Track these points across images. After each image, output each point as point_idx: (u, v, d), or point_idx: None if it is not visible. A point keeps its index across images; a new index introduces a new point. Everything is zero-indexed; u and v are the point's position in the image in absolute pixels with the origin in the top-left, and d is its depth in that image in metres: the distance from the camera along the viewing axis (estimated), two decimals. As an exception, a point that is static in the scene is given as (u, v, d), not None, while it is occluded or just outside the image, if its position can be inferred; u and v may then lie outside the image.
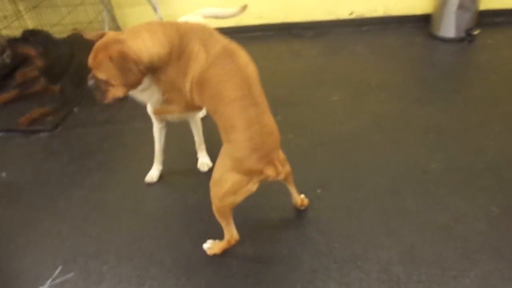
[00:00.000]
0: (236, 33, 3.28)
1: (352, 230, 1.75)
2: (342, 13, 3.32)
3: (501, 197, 1.82)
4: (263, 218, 1.87)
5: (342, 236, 1.73)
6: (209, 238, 1.75)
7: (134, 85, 1.49)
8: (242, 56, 1.46)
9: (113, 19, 3.39)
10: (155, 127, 2.03)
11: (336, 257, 1.65)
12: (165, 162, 2.15)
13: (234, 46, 1.46)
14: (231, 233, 1.64)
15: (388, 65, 2.86)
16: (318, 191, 1.95)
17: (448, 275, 1.54)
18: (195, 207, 1.96)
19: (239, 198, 1.50)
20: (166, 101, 1.63)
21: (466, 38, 3.01)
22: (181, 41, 1.42)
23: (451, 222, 1.73)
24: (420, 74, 2.79)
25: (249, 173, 1.44)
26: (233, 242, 1.66)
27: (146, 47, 1.40)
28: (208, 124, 2.03)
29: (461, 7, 2.91)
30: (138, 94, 1.69)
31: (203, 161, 2.19)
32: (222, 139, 1.50)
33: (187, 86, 1.46)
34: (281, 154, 1.56)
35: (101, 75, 1.44)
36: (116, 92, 1.49)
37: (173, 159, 2.22)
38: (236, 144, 1.42)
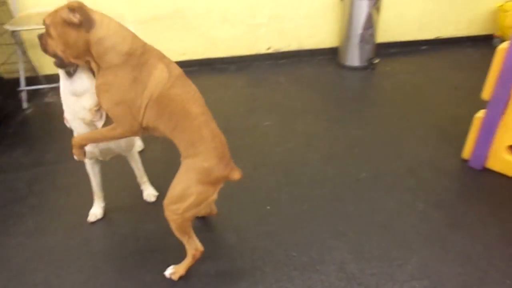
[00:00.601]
0: None
1: (306, 238, 1.88)
2: (261, 48, 3.59)
3: (423, 194, 2.11)
4: (219, 237, 1.91)
5: (298, 245, 1.85)
6: (169, 265, 1.74)
7: (72, 46, 1.39)
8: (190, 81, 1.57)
9: (27, 60, 3.24)
10: (87, 163, 1.96)
11: (296, 264, 1.76)
12: (107, 199, 2.09)
13: (180, 71, 1.55)
14: (194, 246, 1.64)
15: (308, 91, 3.15)
16: (268, 207, 2.06)
17: (394, 264, 1.74)
18: (147, 238, 1.93)
19: (201, 209, 1.55)
20: (112, 118, 1.53)
21: (368, 66, 3.46)
22: (143, 53, 1.43)
23: (388, 220, 1.96)
24: (336, 98, 3.12)
25: (217, 182, 1.52)
26: (198, 255, 1.66)
27: (109, 27, 1.38)
28: (146, 156, 2.05)
29: (362, 40, 3.36)
30: (73, 102, 1.60)
31: (149, 193, 2.17)
32: (184, 155, 1.54)
33: (144, 101, 1.46)
34: None
35: (47, 20, 1.38)
36: (55, 46, 1.42)
37: (115, 194, 2.17)
38: (205, 155, 1.48)
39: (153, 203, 2.13)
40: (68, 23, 1.35)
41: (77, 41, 1.38)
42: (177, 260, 1.72)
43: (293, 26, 3.52)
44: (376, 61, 3.45)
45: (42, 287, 1.72)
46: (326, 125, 2.72)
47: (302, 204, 2.07)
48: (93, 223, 2.03)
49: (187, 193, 1.50)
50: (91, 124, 1.67)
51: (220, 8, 3.34)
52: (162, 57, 1.50)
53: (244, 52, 3.58)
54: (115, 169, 2.26)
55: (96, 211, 2.07)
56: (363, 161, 2.36)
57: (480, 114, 2.19)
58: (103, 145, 1.82)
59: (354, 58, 3.46)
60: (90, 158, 1.91)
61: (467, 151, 2.32)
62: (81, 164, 1.98)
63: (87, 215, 2.04)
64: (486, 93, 2.10)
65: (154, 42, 3.05)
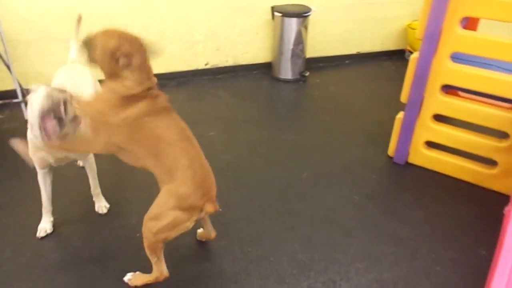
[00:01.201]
0: None
1: (258, 234, 2.02)
2: (199, 64, 3.73)
3: (357, 188, 2.36)
4: (178, 242, 1.98)
5: (252, 241, 1.98)
6: (127, 272, 1.77)
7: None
8: (176, 115, 1.66)
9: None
10: (39, 174, 1.93)
11: (252, 258, 1.89)
12: (56, 213, 2.06)
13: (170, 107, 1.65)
14: (160, 270, 1.67)
15: (247, 103, 3.34)
16: (220, 209, 2.17)
17: (339, 250, 1.94)
18: (102, 247, 1.94)
19: (174, 234, 1.58)
20: (91, 130, 1.60)
21: (300, 79, 3.75)
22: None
23: (329, 213, 2.17)
24: (273, 108, 3.35)
25: (191, 210, 1.55)
26: (161, 279, 1.69)
27: None
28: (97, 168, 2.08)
29: (293, 55, 3.64)
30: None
31: (101, 204, 2.18)
32: (161, 182, 1.59)
33: (116, 121, 1.52)
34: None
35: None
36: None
37: (64, 208, 2.15)
38: (181, 181, 1.53)
39: (105, 214, 2.14)
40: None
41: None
42: (134, 267, 1.77)
43: (228, 43, 3.71)
44: (307, 74, 3.75)
45: (-6, 306, 1.67)
46: (267, 133, 2.91)
47: (252, 204, 2.22)
48: (43, 238, 1.99)
49: (163, 214, 1.54)
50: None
51: (157, 26, 3.43)
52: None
53: (183, 68, 3.68)
54: (64, 183, 2.25)
55: (45, 226, 2.03)
56: (303, 163, 2.57)
57: (400, 115, 2.51)
58: (59, 153, 1.83)
59: (287, 71, 3.72)
60: (43, 167, 1.90)
61: (391, 149, 2.63)
62: (20, 184, 1.95)
63: (35, 232, 2.00)
64: (404, 96, 2.42)
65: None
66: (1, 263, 1.86)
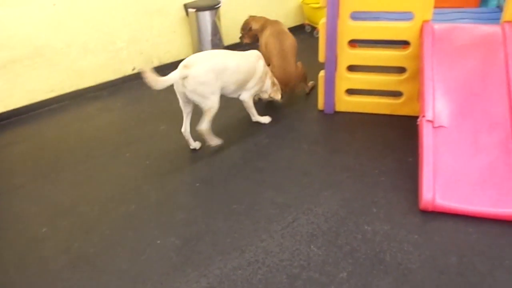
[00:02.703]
0: (31, 111, 3.42)
1: (238, 192, 2.35)
2: (126, 70, 3.88)
3: (303, 139, 2.80)
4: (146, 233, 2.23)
5: (234, 199, 2.30)
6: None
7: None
8: (286, 36, 3.25)
9: None
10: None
11: (240, 211, 2.21)
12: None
13: (283, 30, 3.31)
14: None
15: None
16: (197, 184, 2.45)
17: (306, 187, 2.35)
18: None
19: None
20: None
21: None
22: (263, 25, 3.37)
23: (288, 163, 2.57)
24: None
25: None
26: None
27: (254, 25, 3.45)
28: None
29: (213, 45, 3.98)
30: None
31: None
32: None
33: (263, 42, 3.31)
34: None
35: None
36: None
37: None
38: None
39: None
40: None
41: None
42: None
43: (150, 45, 3.91)
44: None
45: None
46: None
47: (223, 170, 2.53)
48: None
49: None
50: None
51: (79, 41, 3.52)
52: (271, 25, 3.36)
53: (112, 77, 3.80)
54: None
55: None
56: (256, 130, 2.94)
57: (322, 73, 2.99)
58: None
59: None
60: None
61: (320, 103, 3.11)
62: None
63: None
64: (321, 56, 2.90)
65: (17, 84, 3.26)
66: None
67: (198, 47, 3.96)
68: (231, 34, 4.31)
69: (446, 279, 1.73)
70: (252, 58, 2.80)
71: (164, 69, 4.10)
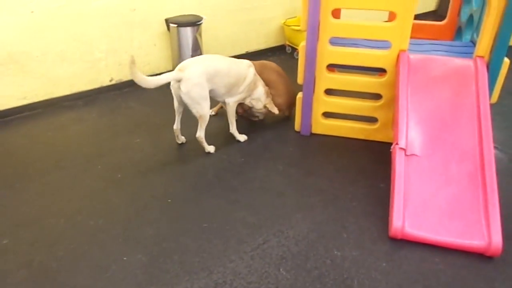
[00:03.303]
0: (2, 117, 3.33)
1: (209, 210, 2.32)
2: (104, 80, 3.82)
3: (279, 160, 2.80)
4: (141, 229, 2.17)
5: (204, 217, 2.27)
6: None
7: None
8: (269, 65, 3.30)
9: None
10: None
11: (210, 230, 2.18)
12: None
13: (262, 63, 3.27)
14: None
15: (160, 109, 3.54)
16: (169, 200, 2.41)
17: (278, 208, 2.34)
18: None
19: None
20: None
21: (203, 82, 4.08)
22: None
23: (262, 183, 2.57)
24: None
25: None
26: None
27: None
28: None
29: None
30: None
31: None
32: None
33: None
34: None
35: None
36: None
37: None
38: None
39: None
40: None
41: None
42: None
43: (129, 57, 3.86)
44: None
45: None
46: (189, 130, 3.15)
47: (195, 188, 2.50)
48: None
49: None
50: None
51: (55, 49, 3.45)
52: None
53: (88, 87, 3.73)
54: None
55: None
56: (231, 147, 2.93)
57: (300, 95, 3.02)
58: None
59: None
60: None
61: (297, 124, 3.14)
62: None
63: None
64: (300, 78, 2.93)
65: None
66: None
67: (178, 61, 3.94)
68: (212, 50, 4.33)
69: (412, 307, 1.74)
70: (243, 65, 2.94)
71: (142, 82, 4.11)
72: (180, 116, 2.90)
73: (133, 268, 1.93)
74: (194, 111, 2.71)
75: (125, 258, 1.99)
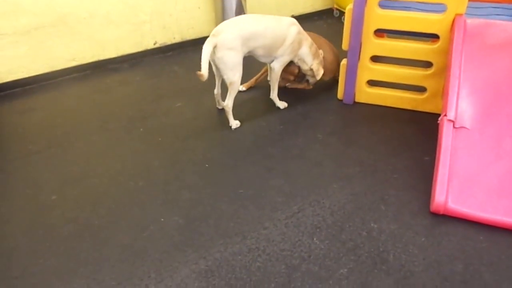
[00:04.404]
0: (52, 79, 3.44)
1: (246, 177, 2.32)
2: (148, 44, 3.86)
3: (319, 128, 2.73)
4: (175, 193, 2.23)
5: (242, 184, 2.28)
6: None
7: None
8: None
9: None
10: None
11: (245, 197, 2.19)
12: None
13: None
14: None
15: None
16: (207, 165, 2.44)
17: (315, 178, 2.30)
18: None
19: None
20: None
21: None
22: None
23: (300, 151, 2.52)
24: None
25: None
26: None
27: None
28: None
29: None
30: None
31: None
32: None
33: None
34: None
35: None
36: None
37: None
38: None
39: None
40: None
41: None
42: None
43: (174, 20, 3.87)
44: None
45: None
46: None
47: (234, 154, 2.51)
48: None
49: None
50: None
51: (102, 11, 3.50)
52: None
53: (133, 50, 3.80)
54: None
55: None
56: (269, 115, 2.89)
57: (344, 61, 2.90)
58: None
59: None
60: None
61: (340, 92, 3.03)
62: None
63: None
64: (345, 44, 2.80)
65: (40, 51, 3.29)
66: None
67: (222, 26, 3.89)
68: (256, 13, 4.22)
69: (449, 286, 1.68)
70: (283, 23, 2.73)
71: (185, 46, 4.11)
72: (220, 80, 2.83)
73: (170, 229, 2.00)
74: (225, 77, 2.64)
75: (162, 219, 2.05)
